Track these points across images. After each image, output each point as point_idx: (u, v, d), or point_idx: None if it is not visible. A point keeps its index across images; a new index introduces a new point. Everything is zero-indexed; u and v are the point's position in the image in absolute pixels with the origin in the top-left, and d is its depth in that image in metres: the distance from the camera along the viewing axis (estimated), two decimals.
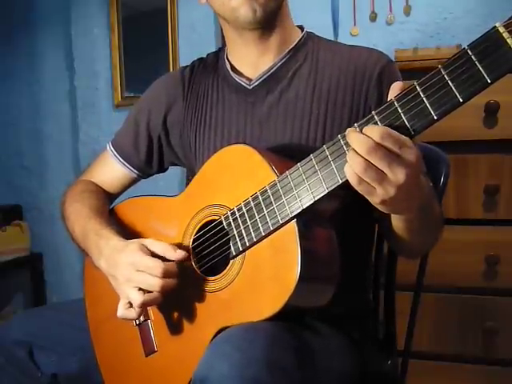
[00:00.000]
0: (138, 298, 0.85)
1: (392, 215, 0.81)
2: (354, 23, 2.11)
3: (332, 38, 2.10)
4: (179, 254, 0.87)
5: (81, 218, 1.02)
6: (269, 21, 0.96)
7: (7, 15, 2.70)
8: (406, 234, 0.85)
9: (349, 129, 0.69)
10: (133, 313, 0.88)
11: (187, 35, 2.35)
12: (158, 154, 1.12)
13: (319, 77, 0.96)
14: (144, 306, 0.87)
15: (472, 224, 1.60)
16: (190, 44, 2.33)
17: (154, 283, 0.84)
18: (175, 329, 0.91)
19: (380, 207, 0.71)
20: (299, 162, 0.78)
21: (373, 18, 2.09)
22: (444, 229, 0.94)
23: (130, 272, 0.86)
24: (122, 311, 0.89)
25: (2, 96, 2.77)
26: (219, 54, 1.09)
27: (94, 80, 2.55)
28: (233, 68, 1.04)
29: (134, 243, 0.89)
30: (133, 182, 1.17)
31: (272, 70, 0.99)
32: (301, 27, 1.05)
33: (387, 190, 0.67)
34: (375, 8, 2.08)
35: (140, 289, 0.85)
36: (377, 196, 0.68)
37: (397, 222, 0.82)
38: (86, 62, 2.56)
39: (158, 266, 0.84)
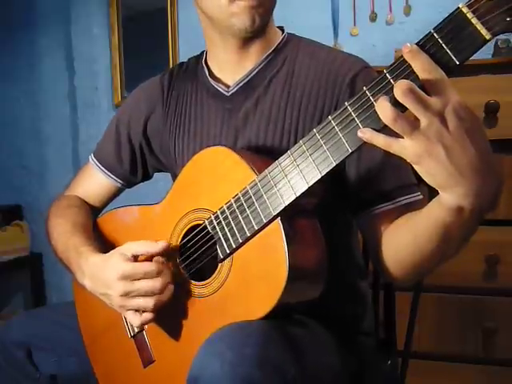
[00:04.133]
0: (136, 320, 0.85)
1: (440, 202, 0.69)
2: (353, 23, 2.11)
3: (332, 38, 2.10)
4: (162, 245, 0.86)
5: (63, 235, 1.02)
6: (261, 30, 0.94)
7: (7, 15, 2.70)
8: (433, 240, 0.74)
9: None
10: (148, 316, 0.86)
11: (187, 35, 2.35)
12: (141, 163, 1.12)
13: (294, 83, 0.95)
14: (144, 325, 0.87)
15: None
16: (189, 44, 2.33)
17: (156, 285, 0.83)
18: (171, 337, 0.90)
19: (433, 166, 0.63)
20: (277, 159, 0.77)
21: (373, 18, 2.09)
22: None
23: (125, 285, 0.84)
24: (137, 321, 0.86)
25: (2, 96, 2.77)
26: (200, 59, 1.08)
27: (94, 80, 2.55)
28: (211, 73, 1.03)
29: (113, 256, 0.87)
30: (118, 192, 1.16)
31: (249, 77, 0.98)
32: (281, 28, 1.03)
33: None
34: (375, 8, 2.08)
35: (136, 310, 0.85)
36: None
37: (440, 211, 0.69)
38: (85, 62, 2.56)
39: (153, 268, 0.83)
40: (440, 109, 0.61)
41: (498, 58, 1.67)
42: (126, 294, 0.85)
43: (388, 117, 0.61)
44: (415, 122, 0.61)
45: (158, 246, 0.87)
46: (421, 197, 0.89)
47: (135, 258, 0.87)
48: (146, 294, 0.84)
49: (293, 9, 2.10)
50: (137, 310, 0.86)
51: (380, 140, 0.65)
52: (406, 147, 0.63)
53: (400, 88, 0.60)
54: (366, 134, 0.66)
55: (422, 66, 0.62)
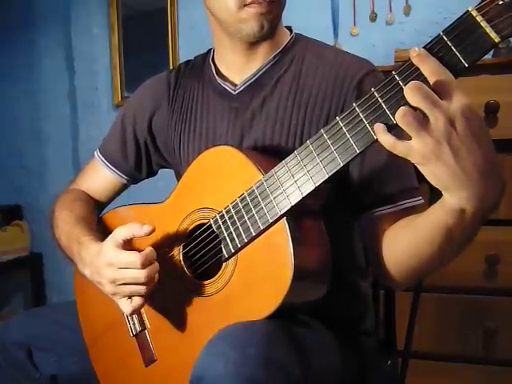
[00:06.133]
0: (127, 308, 0.85)
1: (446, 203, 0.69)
2: (353, 23, 2.11)
3: (332, 38, 2.10)
4: (146, 229, 0.85)
5: (67, 226, 1.02)
6: (270, 33, 0.94)
7: (7, 15, 2.70)
8: (434, 242, 0.74)
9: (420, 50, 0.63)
10: (138, 301, 0.85)
11: (187, 35, 2.35)
12: (146, 159, 1.12)
13: (301, 84, 0.95)
14: (136, 312, 0.87)
15: None
16: (190, 44, 2.33)
17: (139, 275, 0.82)
18: (173, 336, 0.90)
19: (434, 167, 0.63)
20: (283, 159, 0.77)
21: (373, 18, 2.09)
22: None
23: (112, 272, 0.84)
24: (128, 308, 0.86)
25: (1, 96, 2.77)
26: (206, 57, 1.08)
27: (94, 80, 2.55)
28: (218, 72, 1.03)
29: (106, 242, 0.87)
30: (123, 188, 1.16)
31: (256, 76, 0.98)
32: (289, 28, 1.03)
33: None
34: (375, 8, 2.08)
35: (128, 297, 0.85)
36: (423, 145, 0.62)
37: (442, 213, 0.70)
38: (85, 61, 2.56)
39: (136, 259, 0.82)
40: (448, 110, 0.61)
41: (498, 58, 1.67)
42: (114, 282, 0.85)
43: (398, 112, 0.61)
44: (424, 120, 0.61)
45: (143, 229, 0.85)
46: (422, 201, 0.88)
47: (126, 243, 0.86)
48: (131, 283, 0.83)
49: (293, 9, 2.08)
50: (129, 298, 0.85)
51: (387, 138, 0.64)
52: (412, 148, 0.63)
53: (408, 87, 0.61)
54: (379, 128, 0.65)
55: (431, 70, 0.62)
